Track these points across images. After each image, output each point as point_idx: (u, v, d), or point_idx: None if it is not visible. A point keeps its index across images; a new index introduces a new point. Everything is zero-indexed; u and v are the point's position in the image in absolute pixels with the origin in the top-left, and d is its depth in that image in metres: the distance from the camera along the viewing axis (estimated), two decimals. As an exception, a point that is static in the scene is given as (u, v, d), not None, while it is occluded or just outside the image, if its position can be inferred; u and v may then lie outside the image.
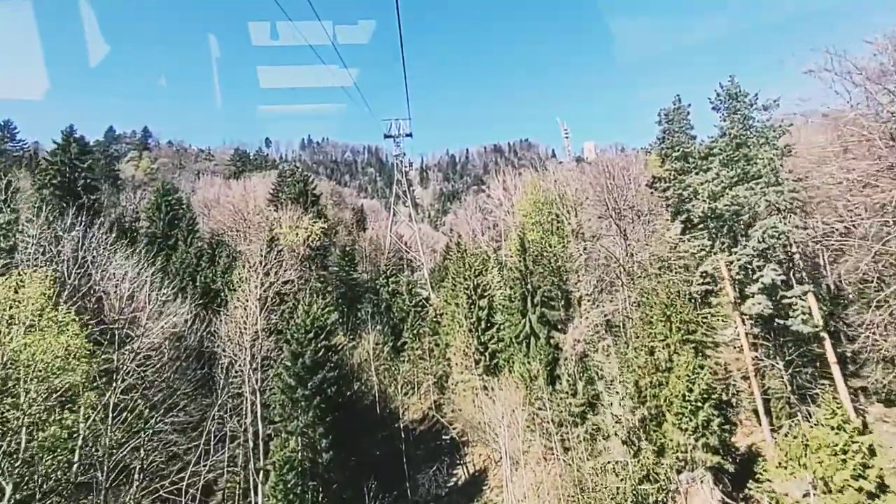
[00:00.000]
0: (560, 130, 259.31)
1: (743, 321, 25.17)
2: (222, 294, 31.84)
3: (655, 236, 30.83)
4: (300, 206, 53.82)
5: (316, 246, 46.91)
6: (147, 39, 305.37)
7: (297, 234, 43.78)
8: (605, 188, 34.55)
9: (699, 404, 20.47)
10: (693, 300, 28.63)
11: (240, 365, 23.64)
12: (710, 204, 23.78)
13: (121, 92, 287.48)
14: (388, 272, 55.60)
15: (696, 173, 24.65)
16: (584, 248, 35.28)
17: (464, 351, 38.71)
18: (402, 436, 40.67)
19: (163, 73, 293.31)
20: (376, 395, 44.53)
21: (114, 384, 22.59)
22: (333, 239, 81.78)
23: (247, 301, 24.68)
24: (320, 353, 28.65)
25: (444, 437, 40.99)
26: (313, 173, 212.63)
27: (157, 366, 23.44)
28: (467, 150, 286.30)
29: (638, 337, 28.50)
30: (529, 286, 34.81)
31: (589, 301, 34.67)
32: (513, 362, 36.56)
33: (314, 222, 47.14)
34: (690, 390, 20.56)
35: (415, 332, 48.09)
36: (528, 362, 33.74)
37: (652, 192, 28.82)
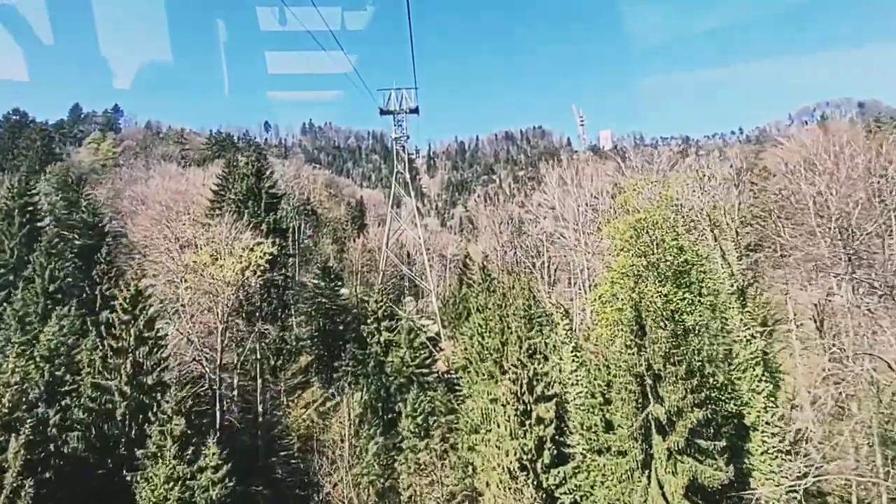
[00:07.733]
0: (575, 118, 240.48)
1: None
2: None
3: None
4: (248, 213, 35.71)
5: (257, 284, 28.59)
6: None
7: (221, 267, 25.60)
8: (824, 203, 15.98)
9: None
10: None
11: None
12: None
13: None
14: (382, 311, 37.30)
15: None
16: (765, 327, 16.93)
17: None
18: None
19: (169, 60, 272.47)
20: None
21: None
22: (316, 252, 63.72)
23: None
24: None
25: None
26: (313, 160, 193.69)
27: None
28: (477, 137, 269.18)
29: None
30: (663, 410, 16.53)
31: (780, 441, 16.42)
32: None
33: (258, 243, 28.84)
34: None
35: (417, 418, 29.94)
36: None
37: None
